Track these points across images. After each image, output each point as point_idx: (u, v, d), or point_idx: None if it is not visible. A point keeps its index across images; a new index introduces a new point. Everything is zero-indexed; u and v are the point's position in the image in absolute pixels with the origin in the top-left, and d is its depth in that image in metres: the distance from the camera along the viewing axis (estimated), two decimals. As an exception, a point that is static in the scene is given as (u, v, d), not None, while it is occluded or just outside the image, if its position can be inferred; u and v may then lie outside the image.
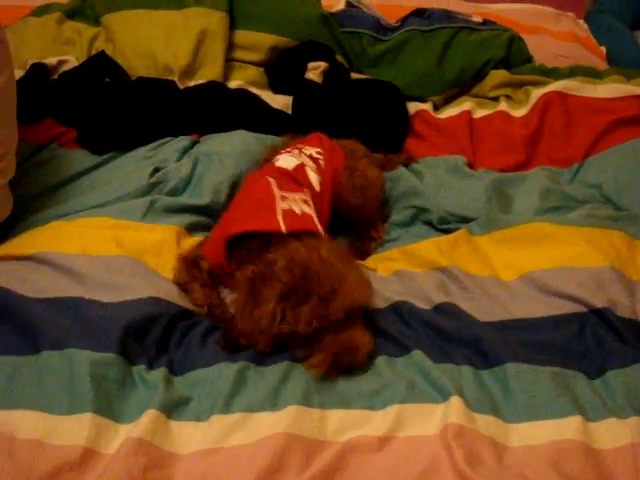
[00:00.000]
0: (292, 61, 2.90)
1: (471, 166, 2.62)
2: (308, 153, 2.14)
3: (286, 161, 2.08)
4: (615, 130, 2.66)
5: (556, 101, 2.78)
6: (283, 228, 1.74)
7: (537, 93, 2.83)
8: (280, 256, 1.66)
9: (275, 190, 1.85)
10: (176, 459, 1.49)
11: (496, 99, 2.96)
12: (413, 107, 2.89)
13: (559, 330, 1.88)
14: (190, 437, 1.55)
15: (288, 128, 2.61)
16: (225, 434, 1.53)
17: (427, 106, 2.91)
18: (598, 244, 2.11)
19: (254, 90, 2.85)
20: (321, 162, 2.15)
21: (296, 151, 2.15)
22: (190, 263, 1.91)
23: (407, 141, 2.75)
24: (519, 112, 2.83)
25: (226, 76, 2.93)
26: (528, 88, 2.92)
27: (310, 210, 1.84)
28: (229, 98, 2.71)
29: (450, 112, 2.88)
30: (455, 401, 1.61)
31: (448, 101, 2.98)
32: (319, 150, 2.18)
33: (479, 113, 2.86)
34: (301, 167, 2.07)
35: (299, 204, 1.83)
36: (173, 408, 1.59)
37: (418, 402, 1.64)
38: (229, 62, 2.97)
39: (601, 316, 1.90)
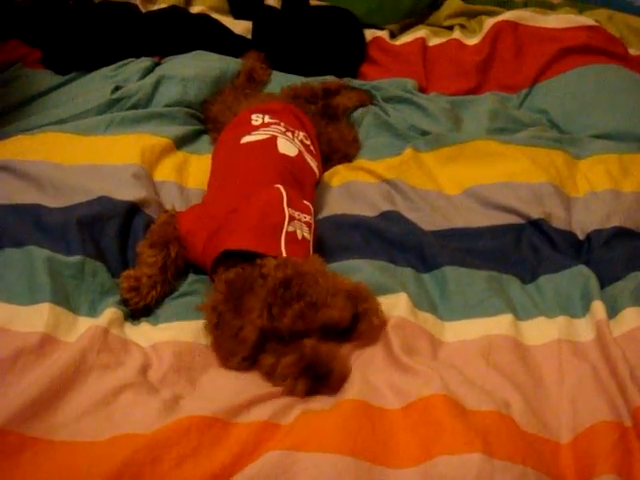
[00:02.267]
0: (252, -13, 2.96)
1: (423, 90, 2.70)
2: (300, 138, 2.15)
3: (287, 147, 2.05)
4: (563, 58, 2.75)
5: (507, 30, 2.87)
6: (284, 254, 1.66)
7: (490, 22, 2.92)
8: (269, 261, 1.60)
9: (286, 210, 1.74)
10: (131, 346, 1.58)
11: (451, 28, 3.05)
12: (370, 34, 2.96)
13: (497, 239, 2.00)
14: (146, 333, 1.65)
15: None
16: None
17: (384, 33, 2.98)
18: (540, 162, 2.21)
19: (215, 16, 2.91)
20: (312, 148, 2.18)
21: (289, 134, 2.12)
22: (158, 244, 1.79)
23: (363, 66, 2.83)
24: (472, 40, 2.91)
25: (188, 1, 2.99)
26: (482, 17, 3.01)
27: (309, 236, 1.76)
28: (190, 22, 2.78)
29: (405, 39, 2.96)
30: (402, 296, 1.71)
31: (404, 29, 3.05)
32: (305, 134, 2.19)
33: (434, 41, 2.94)
34: (300, 155, 2.08)
35: (302, 228, 1.75)
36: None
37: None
38: (191, -11, 3.02)
39: (537, 227, 2.02)
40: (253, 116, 2.15)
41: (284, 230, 1.70)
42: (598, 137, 2.42)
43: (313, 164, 2.12)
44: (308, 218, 1.79)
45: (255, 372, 1.55)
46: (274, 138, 2.05)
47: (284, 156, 2.02)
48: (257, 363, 1.54)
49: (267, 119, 2.14)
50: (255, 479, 1.26)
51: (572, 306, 1.77)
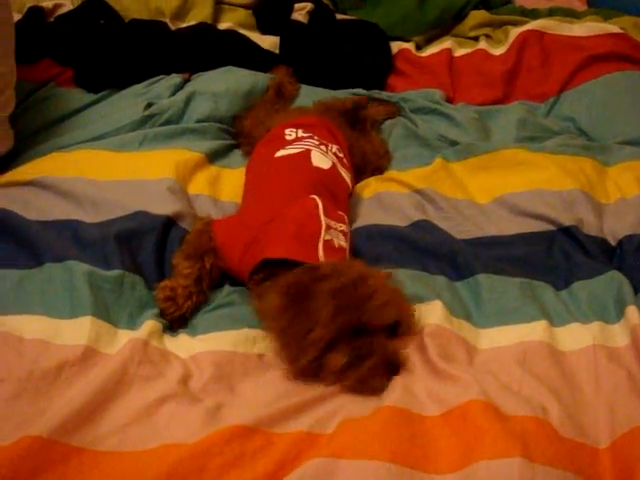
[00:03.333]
0: (279, 2, 3.00)
1: (450, 101, 2.72)
2: (333, 151, 2.16)
3: (321, 160, 2.07)
4: (589, 66, 2.76)
5: (533, 39, 2.88)
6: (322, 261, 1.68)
7: (515, 32, 2.93)
8: (324, 264, 1.64)
9: (322, 218, 1.76)
10: (171, 358, 1.61)
11: (476, 39, 3.07)
12: (396, 46, 2.99)
13: (529, 246, 2.01)
14: (185, 344, 1.68)
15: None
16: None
17: (410, 45, 3.00)
18: (569, 170, 2.22)
19: (243, 31, 2.95)
20: (344, 160, 2.19)
21: (323, 147, 2.13)
22: (193, 256, 1.82)
23: (390, 78, 2.85)
24: (498, 50, 2.93)
25: (216, 18, 3.03)
26: (507, 28, 3.02)
27: (345, 244, 1.78)
28: (219, 38, 2.81)
29: (431, 50, 2.99)
30: (437, 304, 1.73)
31: (430, 41, 3.08)
32: (338, 147, 2.20)
33: (459, 52, 2.97)
34: (334, 168, 2.10)
35: (339, 237, 1.77)
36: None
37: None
38: (219, 4, 3.07)
39: (569, 233, 2.02)
40: (287, 131, 2.17)
41: (321, 238, 1.71)
42: (626, 144, 2.42)
43: (346, 176, 2.14)
44: (344, 227, 1.81)
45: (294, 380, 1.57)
46: (308, 152, 2.07)
47: (318, 169, 2.04)
48: (324, 363, 1.55)
49: (300, 133, 2.16)
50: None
51: (606, 312, 1.77)
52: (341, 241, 1.77)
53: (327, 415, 1.46)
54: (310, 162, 2.04)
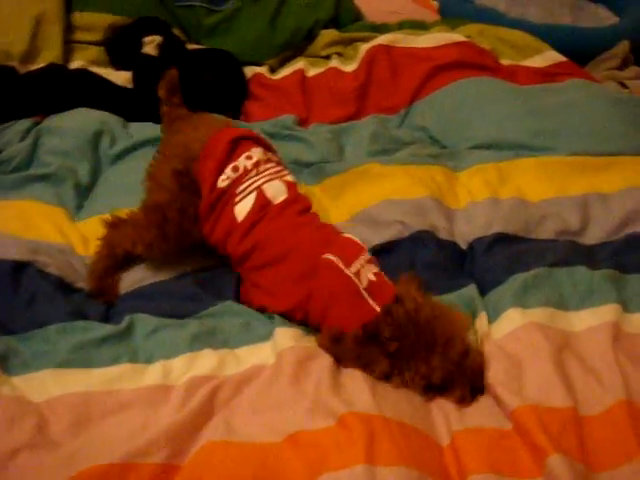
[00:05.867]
0: (129, 37, 2.99)
1: (304, 122, 2.76)
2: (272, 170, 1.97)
3: (277, 190, 1.91)
4: (437, 76, 2.83)
5: (381, 54, 2.94)
6: (378, 310, 1.67)
7: (364, 48, 2.99)
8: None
9: (349, 273, 1.72)
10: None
11: (328, 57, 3.11)
12: (250, 71, 3.01)
13: (392, 255, 2.04)
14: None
15: (132, 102, 2.74)
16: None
17: (263, 69, 3.03)
18: (419, 178, 2.28)
19: (96, 69, 2.91)
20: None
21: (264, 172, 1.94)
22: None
23: (245, 104, 2.87)
24: (349, 67, 2.97)
25: (68, 58, 2.98)
26: (357, 44, 3.07)
27: (376, 267, 1.78)
28: (69, 78, 2.78)
29: (284, 72, 3.01)
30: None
31: (283, 63, 3.11)
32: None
33: (312, 71, 3.00)
34: (290, 189, 1.95)
35: (368, 270, 1.75)
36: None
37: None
38: (69, 44, 3.03)
39: (423, 238, 2.07)
40: (224, 173, 1.92)
41: (362, 290, 1.71)
42: (476, 148, 2.50)
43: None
44: (364, 256, 1.78)
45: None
46: (260, 191, 1.89)
47: (283, 204, 1.90)
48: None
49: (229, 172, 1.91)
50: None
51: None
52: (373, 270, 1.76)
53: (187, 445, 1.46)
54: (271, 203, 1.89)
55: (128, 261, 2.01)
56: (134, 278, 1.99)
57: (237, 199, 1.88)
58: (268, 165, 1.94)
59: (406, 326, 1.62)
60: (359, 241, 1.83)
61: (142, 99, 2.73)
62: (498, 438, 1.52)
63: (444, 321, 1.64)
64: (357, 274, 1.72)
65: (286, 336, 1.70)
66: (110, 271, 1.98)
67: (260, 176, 1.91)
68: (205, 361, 1.67)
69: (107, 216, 2.04)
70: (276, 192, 1.90)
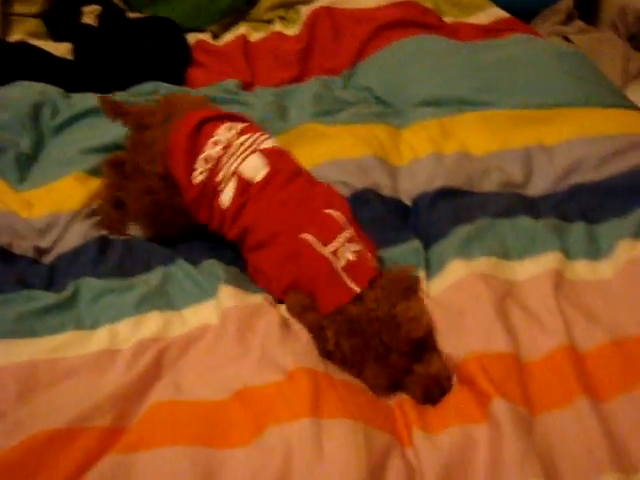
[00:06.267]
0: (67, 8, 2.95)
1: (248, 86, 2.75)
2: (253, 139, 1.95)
3: (257, 166, 1.87)
4: (379, 36, 2.83)
5: (324, 16, 2.94)
6: (357, 290, 1.62)
7: (306, 10, 2.99)
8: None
9: (324, 253, 1.69)
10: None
11: (271, 21, 3.10)
12: (192, 38, 2.99)
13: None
14: None
15: (73, 73, 2.71)
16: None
17: (206, 36, 3.01)
18: (362, 137, 2.28)
19: (36, 42, 2.87)
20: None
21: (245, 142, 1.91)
22: None
23: (189, 71, 2.85)
24: (292, 31, 2.97)
25: (6, 31, 2.95)
26: (299, 7, 3.06)
27: (357, 246, 1.71)
28: (9, 51, 2.74)
29: (227, 38, 3.00)
30: None
31: (226, 29, 3.09)
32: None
33: (255, 36, 2.99)
34: (273, 153, 1.92)
35: (348, 247, 1.69)
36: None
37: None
38: (7, 17, 2.99)
39: (366, 196, 2.08)
40: (196, 168, 1.90)
41: (338, 270, 1.66)
42: (420, 105, 2.50)
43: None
44: (344, 234, 1.74)
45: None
46: (238, 175, 1.86)
47: (263, 181, 1.87)
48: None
49: (201, 165, 1.88)
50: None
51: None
52: (352, 248, 1.70)
53: (134, 407, 1.47)
54: (253, 180, 1.86)
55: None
56: (79, 232, 2.00)
57: (219, 188, 1.87)
58: (239, 141, 1.90)
59: (351, 329, 1.56)
60: (342, 217, 1.79)
61: (83, 70, 2.71)
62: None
63: (397, 326, 1.56)
64: (334, 253, 1.68)
65: (230, 295, 1.70)
66: (118, 203, 2.04)
67: (233, 159, 1.86)
68: (151, 323, 1.68)
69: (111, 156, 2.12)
70: (254, 170, 1.86)
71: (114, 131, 2.26)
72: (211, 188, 1.87)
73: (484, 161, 2.22)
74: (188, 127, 1.90)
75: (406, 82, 2.62)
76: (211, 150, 1.88)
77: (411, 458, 1.39)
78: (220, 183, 1.86)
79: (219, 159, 1.86)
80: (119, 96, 2.48)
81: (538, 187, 2.17)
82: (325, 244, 1.70)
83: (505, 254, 1.85)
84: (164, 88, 2.62)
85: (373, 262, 1.72)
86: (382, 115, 2.45)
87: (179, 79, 2.78)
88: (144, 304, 1.73)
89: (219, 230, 1.93)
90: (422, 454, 1.38)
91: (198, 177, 1.87)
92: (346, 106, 2.55)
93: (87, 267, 1.85)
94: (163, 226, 1.99)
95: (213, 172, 1.86)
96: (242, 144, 1.89)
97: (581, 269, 1.83)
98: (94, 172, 2.20)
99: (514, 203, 2.05)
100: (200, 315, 1.70)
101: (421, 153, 2.25)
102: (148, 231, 2.02)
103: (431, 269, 1.83)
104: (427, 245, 1.91)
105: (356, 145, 2.24)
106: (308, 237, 1.72)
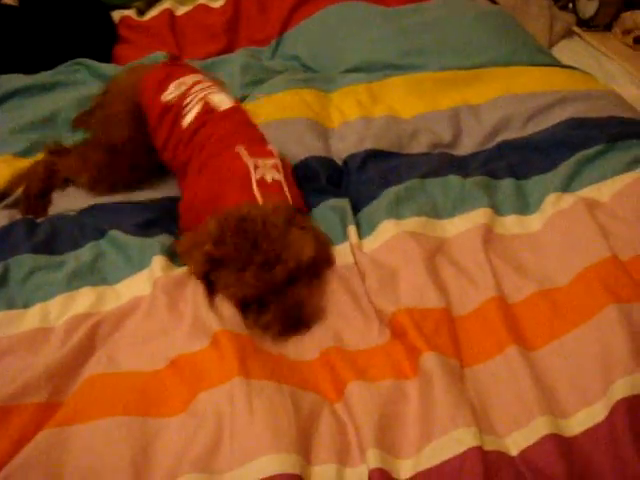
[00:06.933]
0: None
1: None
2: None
3: (222, 99, 1.96)
4: (305, 4, 2.86)
5: (248, -14, 2.92)
6: (260, 200, 1.69)
7: (230, -18, 2.97)
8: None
9: (246, 160, 1.78)
10: None
11: (195, -6, 3.07)
12: (118, 15, 2.95)
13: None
14: None
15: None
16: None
17: (131, 12, 2.97)
18: (289, 102, 2.31)
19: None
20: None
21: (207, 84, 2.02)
22: None
23: (115, 48, 2.82)
24: (217, 3, 2.95)
25: None
26: (221, -21, 3.04)
27: (279, 175, 1.79)
28: None
29: (152, 13, 2.97)
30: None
31: (151, 5, 3.04)
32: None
33: (180, 10, 2.97)
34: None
35: (269, 172, 1.78)
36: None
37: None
38: None
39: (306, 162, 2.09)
40: (167, 89, 1.99)
41: (252, 178, 1.74)
42: (349, 71, 2.53)
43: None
44: (273, 161, 1.82)
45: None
46: (205, 101, 1.94)
47: (229, 110, 1.96)
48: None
49: (173, 88, 1.98)
50: (26, 465, 1.28)
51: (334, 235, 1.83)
52: (274, 175, 1.78)
53: (68, 382, 1.46)
54: (217, 110, 1.95)
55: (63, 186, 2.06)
56: (4, 213, 1.97)
57: (184, 112, 1.93)
58: (211, 83, 2.02)
59: (241, 227, 1.59)
60: (277, 154, 1.86)
61: (5, 50, 2.65)
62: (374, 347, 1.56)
63: (282, 245, 1.59)
64: (255, 167, 1.77)
65: (160, 264, 1.70)
66: (44, 192, 2.03)
67: (206, 87, 1.98)
68: (84, 299, 1.66)
69: (49, 143, 2.12)
70: (222, 101, 1.95)
71: (41, 112, 2.26)
72: (177, 109, 1.94)
73: (412, 123, 2.25)
74: (166, 63, 2.10)
75: (334, 49, 2.64)
76: (187, 78, 2.00)
77: (341, 413, 1.41)
78: (187, 106, 1.94)
79: (192, 85, 1.98)
80: (45, 75, 2.46)
81: (467, 146, 2.21)
82: (251, 156, 1.79)
83: (435, 213, 1.88)
84: (91, 66, 2.58)
85: (288, 198, 1.76)
86: (310, 80, 2.48)
87: (106, 57, 2.74)
88: (75, 280, 1.71)
89: (171, 156, 1.96)
90: (355, 408, 1.39)
91: (167, 96, 1.96)
92: (274, 75, 2.56)
93: (15, 247, 1.83)
94: (116, 175, 2.02)
95: (183, 96, 1.95)
96: (215, 85, 2.03)
97: (510, 223, 1.87)
98: (23, 153, 2.17)
99: (443, 163, 2.08)
100: (134, 287, 1.69)
101: (350, 117, 2.28)
102: (99, 182, 2.02)
103: (362, 230, 1.84)
104: (358, 206, 1.92)
105: (284, 110, 2.27)
106: (240, 148, 1.82)
